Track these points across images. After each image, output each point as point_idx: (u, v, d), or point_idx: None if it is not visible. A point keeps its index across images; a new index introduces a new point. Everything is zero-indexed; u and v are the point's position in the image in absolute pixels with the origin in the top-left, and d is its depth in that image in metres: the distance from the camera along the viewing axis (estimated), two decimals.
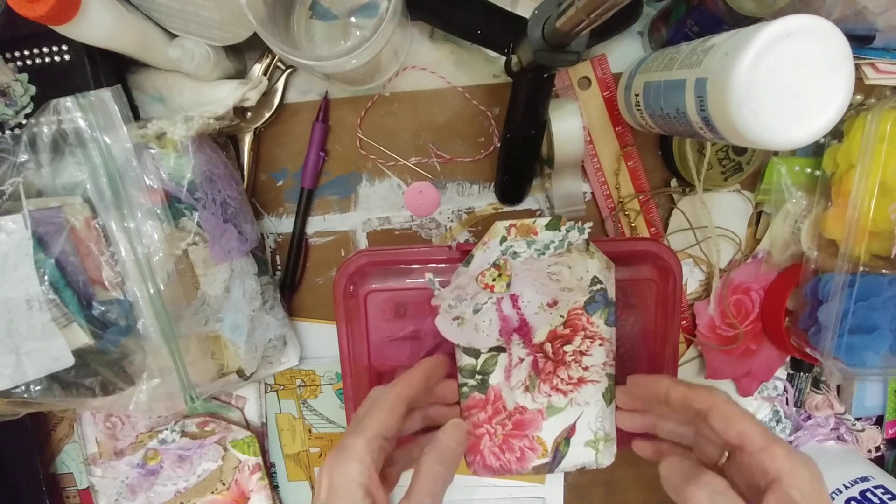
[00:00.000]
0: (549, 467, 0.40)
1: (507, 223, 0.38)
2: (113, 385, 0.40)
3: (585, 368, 0.40)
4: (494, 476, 0.40)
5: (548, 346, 0.39)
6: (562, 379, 0.40)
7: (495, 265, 0.38)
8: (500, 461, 0.40)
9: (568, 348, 0.39)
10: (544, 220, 0.38)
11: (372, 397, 0.36)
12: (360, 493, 0.30)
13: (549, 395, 0.40)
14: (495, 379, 0.39)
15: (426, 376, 0.37)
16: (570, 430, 0.40)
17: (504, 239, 0.38)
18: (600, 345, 0.40)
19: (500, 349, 0.39)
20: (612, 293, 0.40)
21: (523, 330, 0.39)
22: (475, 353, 0.39)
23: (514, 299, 0.38)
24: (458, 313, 0.38)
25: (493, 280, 0.38)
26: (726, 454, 0.34)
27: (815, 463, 0.29)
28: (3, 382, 0.37)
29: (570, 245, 0.38)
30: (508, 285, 0.38)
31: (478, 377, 0.40)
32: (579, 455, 0.40)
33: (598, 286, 0.39)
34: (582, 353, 0.40)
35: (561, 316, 0.39)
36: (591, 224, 0.38)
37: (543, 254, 0.38)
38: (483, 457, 0.40)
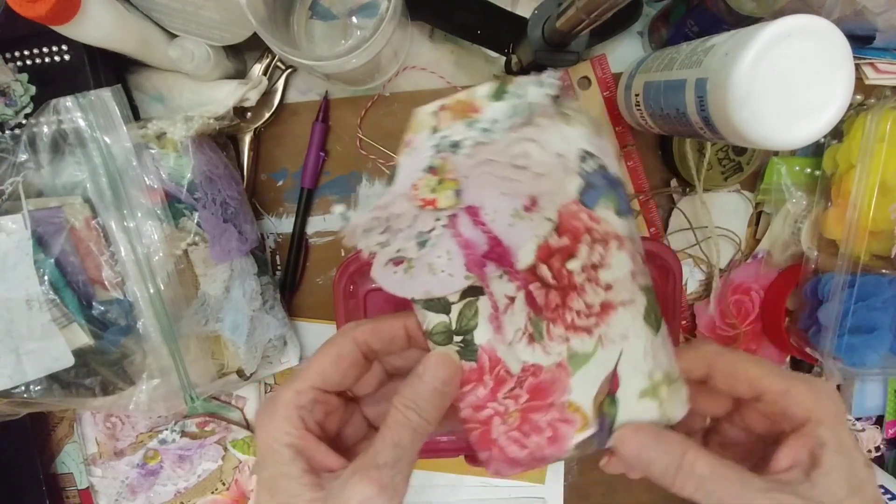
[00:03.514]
0: (599, 439, 0.27)
1: (433, 106, 0.25)
2: (113, 385, 0.40)
3: (607, 287, 0.26)
4: (526, 469, 0.28)
5: (543, 270, 0.26)
6: (577, 312, 0.27)
7: (430, 169, 0.25)
8: (527, 449, 0.28)
9: (573, 265, 0.26)
10: (487, 88, 0.25)
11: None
12: (287, 454, 0.25)
13: (568, 339, 0.27)
14: (483, 336, 0.27)
15: (404, 326, 0.28)
16: (612, 382, 0.27)
17: (435, 130, 0.25)
18: (619, 247, 0.26)
19: (476, 290, 0.27)
20: (615, 169, 0.26)
21: (498, 253, 0.26)
22: (443, 307, 0.27)
23: (473, 213, 0.26)
24: (396, 252, 0.26)
25: (433, 191, 0.25)
26: (707, 420, 0.30)
27: (835, 389, 0.26)
28: (3, 382, 0.37)
29: (532, 112, 0.25)
30: (458, 194, 0.25)
31: (458, 340, 0.27)
32: (636, 412, 0.27)
33: (592, 162, 0.25)
34: (596, 267, 0.26)
35: (548, 219, 0.26)
36: (556, 72, 0.25)
37: (493, 133, 0.25)
38: (501, 448, 0.28)
